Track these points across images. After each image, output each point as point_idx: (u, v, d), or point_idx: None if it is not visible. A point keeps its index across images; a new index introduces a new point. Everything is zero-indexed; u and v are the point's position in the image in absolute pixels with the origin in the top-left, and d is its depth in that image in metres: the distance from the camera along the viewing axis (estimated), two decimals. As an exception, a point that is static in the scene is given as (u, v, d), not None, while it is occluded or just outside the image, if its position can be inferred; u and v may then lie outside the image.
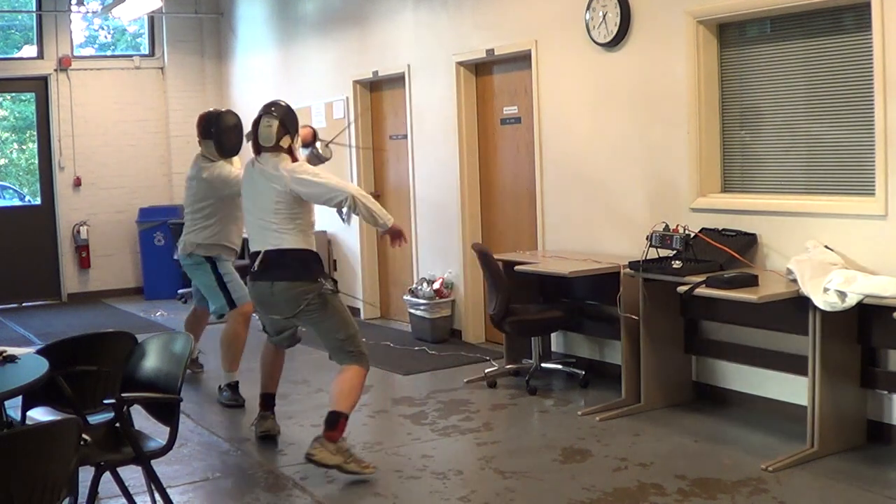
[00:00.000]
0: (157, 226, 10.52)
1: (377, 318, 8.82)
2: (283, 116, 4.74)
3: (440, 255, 7.76)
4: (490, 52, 7.03)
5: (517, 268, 5.97)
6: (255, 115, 4.86)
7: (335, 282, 4.78)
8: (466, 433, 5.21)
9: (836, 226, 4.79)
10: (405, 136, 8.18)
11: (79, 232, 10.69)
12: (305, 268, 4.66)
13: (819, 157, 5.01)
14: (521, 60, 6.84)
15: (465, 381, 6.26)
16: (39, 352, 3.75)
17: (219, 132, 5.95)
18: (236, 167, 6.03)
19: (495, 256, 6.17)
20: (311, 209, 4.81)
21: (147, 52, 11.20)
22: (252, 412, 5.47)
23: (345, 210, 4.71)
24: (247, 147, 5.37)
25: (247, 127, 5.09)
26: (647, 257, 5.22)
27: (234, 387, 6.04)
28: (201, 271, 6.15)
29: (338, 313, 4.70)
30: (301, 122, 9.10)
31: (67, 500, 2.85)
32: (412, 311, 7.72)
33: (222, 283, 6.06)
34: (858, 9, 4.65)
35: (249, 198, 4.84)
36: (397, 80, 8.22)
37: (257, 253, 4.71)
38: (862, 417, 4.66)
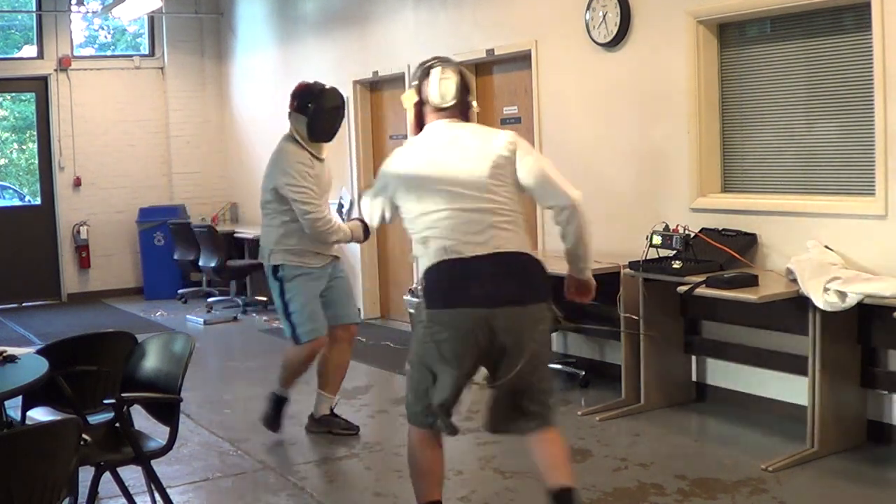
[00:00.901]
0: (157, 226, 10.53)
1: (377, 318, 8.83)
2: (461, 71, 3.52)
3: (440, 255, 7.75)
4: (490, 52, 7.03)
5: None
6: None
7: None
8: (466, 433, 5.20)
9: (836, 226, 4.79)
10: (405, 136, 8.18)
11: (79, 232, 10.69)
12: (541, 282, 3.36)
13: (819, 157, 5.01)
14: (521, 60, 6.84)
15: (465, 381, 6.25)
16: (39, 352, 3.75)
17: (317, 110, 4.94)
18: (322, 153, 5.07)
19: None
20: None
21: (147, 52, 11.20)
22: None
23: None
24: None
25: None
26: (647, 257, 5.22)
27: (278, 401, 5.29)
28: (272, 286, 5.20)
29: (549, 353, 3.46)
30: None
31: (67, 500, 2.86)
32: (412, 311, 7.71)
33: (286, 309, 5.14)
34: (858, 9, 4.65)
35: (432, 179, 3.35)
36: (397, 80, 8.22)
37: (455, 262, 3.27)
38: (862, 417, 4.67)
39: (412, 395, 3.59)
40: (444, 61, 3.46)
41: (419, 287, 3.46)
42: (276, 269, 5.05)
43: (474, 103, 3.55)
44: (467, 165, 3.33)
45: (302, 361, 5.22)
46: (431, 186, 3.36)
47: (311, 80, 5.18)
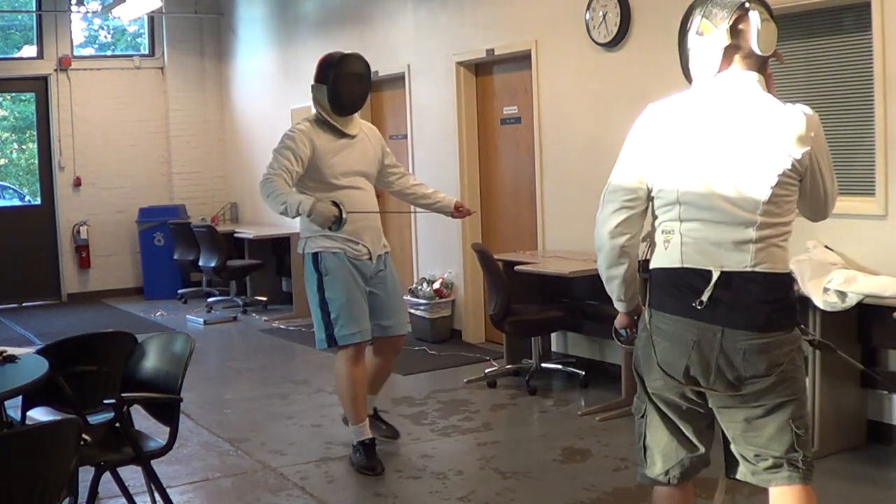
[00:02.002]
0: (157, 226, 10.53)
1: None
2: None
3: (440, 255, 7.76)
4: (490, 52, 7.03)
5: (517, 268, 5.98)
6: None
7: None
8: (466, 433, 5.21)
9: (836, 226, 4.78)
10: (405, 136, 8.18)
11: (79, 232, 10.69)
12: (793, 306, 2.71)
13: (819, 157, 5.00)
14: (521, 60, 6.84)
15: (465, 381, 6.27)
16: (39, 352, 3.75)
17: (336, 77, 4.48)
18: (352, 129, 4.59)
19: (495, 256, 6.17)
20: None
21: (147, 52, 11.20)
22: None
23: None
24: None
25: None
26: (647, 257, 5.21)
27: (367, 446, 4.58)
28: (308, 279, 4.59)
29: (804, 388, 2.75)
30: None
31: (67, 500, 2.86)
32: (412, 311, 7.71)
33: (324, 304, 4.49)
34: (858, 9, 4.65)
35: (701, 160, 2.63)
36: (397, 80, 8.22)
37: (701, 272, 2.62)
38: (862, 417, 4.66)
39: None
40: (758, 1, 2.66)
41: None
42: (315, 258, 4.48)
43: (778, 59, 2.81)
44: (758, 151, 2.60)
45: (347, 374, 4.50)
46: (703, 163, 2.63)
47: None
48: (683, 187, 2.63)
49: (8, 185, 11.56)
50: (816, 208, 2.75)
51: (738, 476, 2.80)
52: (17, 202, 11.46)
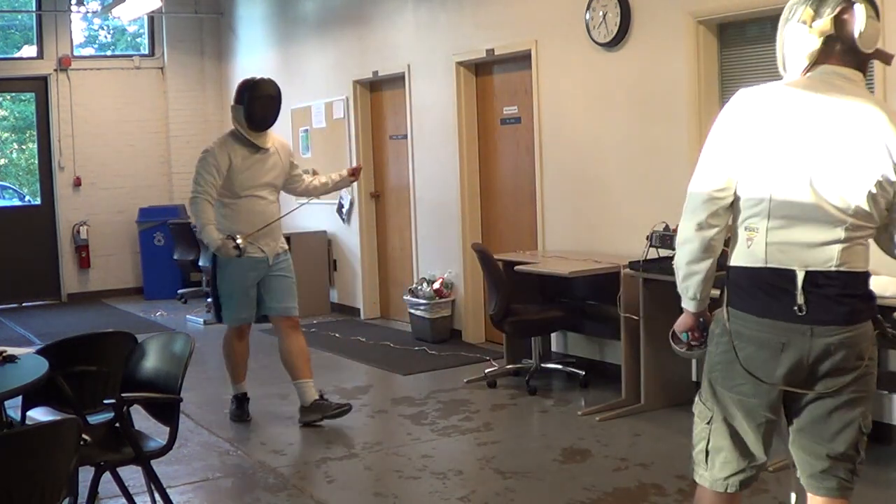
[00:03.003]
0: (157, 226, 10.53)
1: (377, 318, 8.83)
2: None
3: (440, 255, 7.76)
4: (490, 52, 7.03)
5: (517, 268, 5.97)
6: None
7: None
8: (466, 433, 5.21)
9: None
10: (405, 136, 8.18)
11: (79, 232, 10.69)
12: (872, 296, 2.70)
13: (819, 157, 5.00)
14: (521, 60, 6.84)
15: (465, 381, 6.26)
16: (39, 352, 3.75)
17: (252, 99, 5.20)
18: (270, 140, 5.33)
19: (495, 256, 6.17)
20: None
21: (147, 52, 11.21)
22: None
23: None
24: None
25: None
26: (648, 257, 5.22)
27: (240, 399, 5.63)
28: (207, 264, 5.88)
29: (875, 387, 2.75)
30: (301, 125, 9.08)
31: (67, 500, 2.85)
32: (412, 311, 7.72)
33: (214, 291, 5.44)
34: (858, 9, 4.64)
35: (797, 155, 2.51)
36: (397, 80, 8.22)
37: (785, 272, 2.53)
38: (862, 417, 4.66)
39: None
40: None
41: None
42: (215, 254, 5.27)
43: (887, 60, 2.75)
44: (854, 153, 2.49)
45: (231, 346, 5.53)
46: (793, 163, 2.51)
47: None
48: (776, 183, 2.51)
49: (8, 185, 11.56)
50: None
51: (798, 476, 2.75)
52: (17, 202, 11.46)
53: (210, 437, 5.28)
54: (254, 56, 10.56)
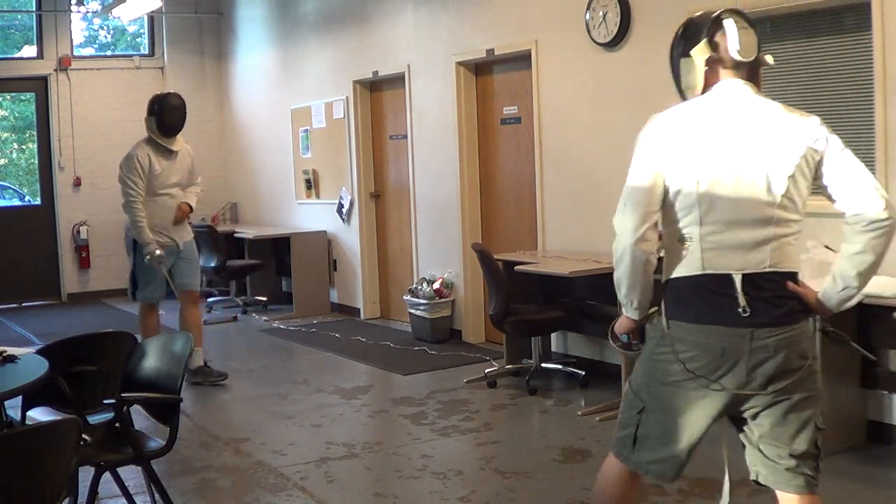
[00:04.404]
0: (157, 226, 10.51)
1: (377, 318, 8.83)
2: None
3: (440, 255, 7.77)
4: (490, 52, 7.03)
5: (517, 268, 5.97)
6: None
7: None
8: (466, 433, 5.21)
9: (836, 226, 4.77)
10: (405, 136, 8.18)
11: (79, 232, 10.69)
12: (800, 299, 2.72)
13: (819, 157, 5.00)
14: (521, 60, 6.84)
15: (465, 381, 6.27)
16: (39, 352, 3.75)
17: (161, 109, 6.25)
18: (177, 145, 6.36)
19: (495, 256, 6.17)
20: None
21: (147, 52, 11.20)
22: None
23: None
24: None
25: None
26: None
27: (203, 369, 6.50)
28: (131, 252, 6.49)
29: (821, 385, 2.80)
30: (301, 125, 9.20)
31: (67, 500, 2.85)
32: (412, 311, 7.72)
33: (133, 275, 6.34)
34: (858, 9, 4.65)
35: (713, 167, 2.67)
36: (397, 80, 8.22)
37: (723, 277, 2.65)
38: (862, 417, 4.66)
39: None
40: (733, 10, 2.80)
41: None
42: (135, 242, 6.21)
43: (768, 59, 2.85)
44: (769, 152, 2.66)
45: (142, 321, 6.37)
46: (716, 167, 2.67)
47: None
48: (701, 190, 2.64)
49: (8, 185, 11.55)
50: (859, 197, 2.65)
51: (760, 480, 2.82)
52: (17, 202, 11.45)
53: (210, 437, 5.28)
54: (254, 56, 10.56)
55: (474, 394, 6.01)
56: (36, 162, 10.86)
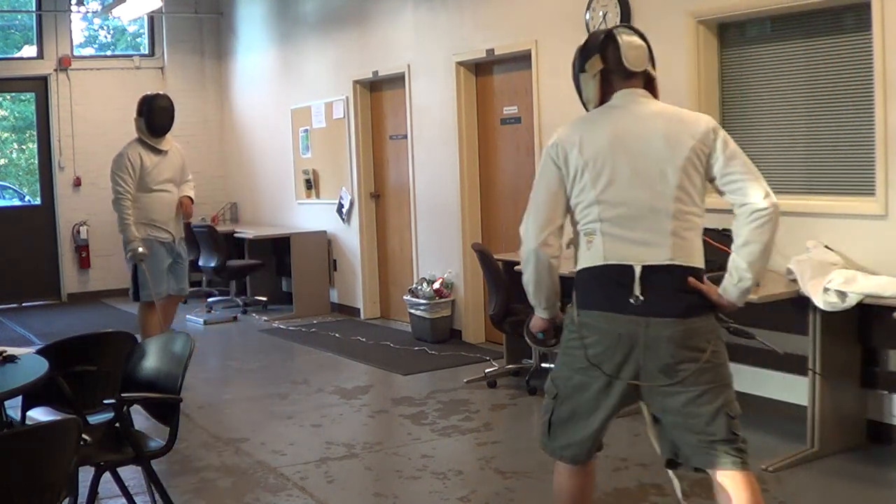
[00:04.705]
0: (157, 226, 10.51)
1: (377, 318, 8.83)
2: (645, 37, 3.11)
3: (440, 255, 7.77)
4: (490, 52, 7.03)
5: (517, 268, 5.94)
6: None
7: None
8: (466, 433, 5.21)
9: (836, 226, 4.80)
10: (405, 136, 8.18)
11: (79, 232, 10.69)
12: (702, 295, 2.87)
13: (819, 157, 5.01)
14: (521, 60, 6.84)
15: (465, 381, 6.27)
16: (39, 352, 3.75)
17: (150, 110, 6.30)
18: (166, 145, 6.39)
19: (495, 256, 6.17)
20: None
21: (147, 52, 11.20)
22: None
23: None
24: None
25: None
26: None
27: None
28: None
29: (730, 374, 2.96)
30: (301, 125, 9.19)
31: (67, 500, 2.85)
32: (412, 311, 7.72)
33: (134, 274, 6.32)
34: (858, 9, 4.65)
35: (610, 167, 2.88)
36: (397, 80, 8.22)
37: (620, 268, 2.84)
38: (862, 417, 4.66)
39: None
40: (625, 26, 3.10)
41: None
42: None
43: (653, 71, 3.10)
44: (659, 151, 2.86)
45: (145, 318, 6.36)
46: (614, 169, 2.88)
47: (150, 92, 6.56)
48: (599, 189, 2.86)
49: (8, 185, 11.55)
50: (742, 189, 2.81)
51: (681, 461, 2.97)
52: (17, 202, 11.45)
53: (210, 437, 5.29)
54: (254, 56, 10.56)
55: (474, 394, 6.01)
56: (36, 162, 10.86)
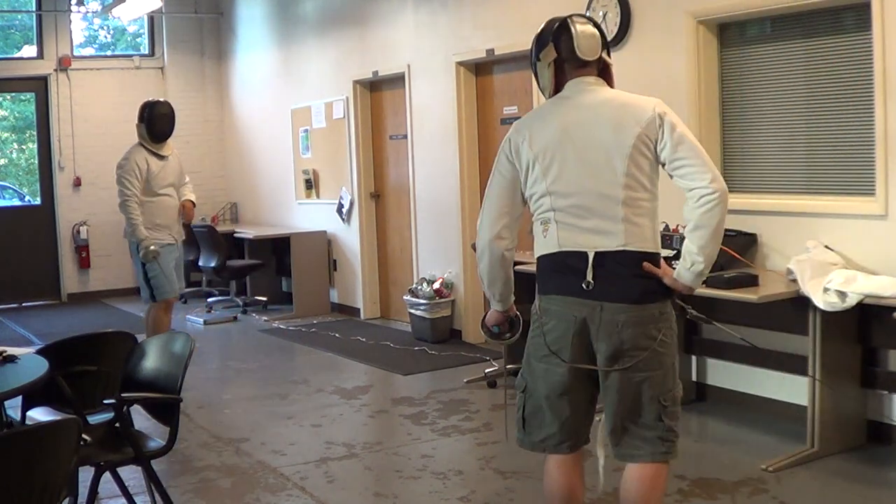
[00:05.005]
0: (157, 226, 10.51)
1: (377, 318, 8.83)
2: (599, 25, 3.17)
3: (440, 255, 7.77)
4: (490, 52, 7.03)
5: (516, 268, 5.95)
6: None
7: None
8: (466, 433, 5.21)
9: (836, 226, 4.79)
10: (405, 136, 8.18)
11: (79, 232, 10.69)
12: (658, 281, 2.94)
13: (819, 157, 5.01)
14: (521, 60, 6.84)
15: (465, 381, 6.26)
16: (39, 352, 3.75)
17: (151, 117, 6.36)
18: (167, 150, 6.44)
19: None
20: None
21: (147, 52, 11.20)
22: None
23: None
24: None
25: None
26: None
27: None
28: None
29: (676, 359, 3.02)
30: (301, 125, 9.19)
31: (67, 500, 2.85)
32: (412, 311, 7.72)
33: (146, 275, 6.33)
34: (858, 9, 4.65)
35: (559, 158, 2.96)
36: (397, 80, 8.22)
37: (574, 255, 2.93)
38: (862, 417, 4.66)
39: None
40: (580, 15, 3.11)
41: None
42: (138, 244, 6.24)
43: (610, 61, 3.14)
44: (609, 137, 2.91)
45: (158, 319, 6.37)
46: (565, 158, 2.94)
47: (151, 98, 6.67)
48: (551, 179, 2.94)
49: (8, 185, 11.55)
50: (690, 173, 2.87)
51: (612, 450, 3.05)
52: (17, 202, 11.45)
53: (210, 437, 5.29)
54: (254, 56, 10.56)
55: (474, 394, 6.01)
56: (36, 162, 10.86)
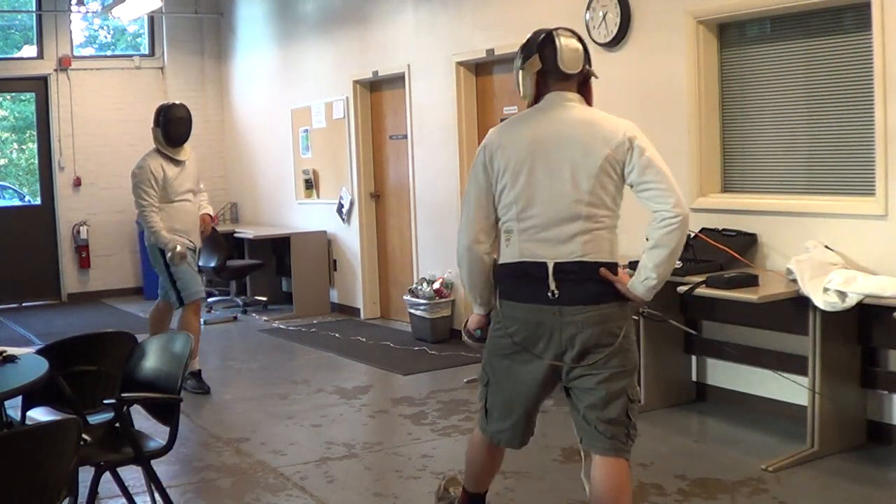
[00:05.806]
0: (157, 226, 10.51)
1: (377, 318, 8.83)
2: (582, 39, 3.20)
3: (440, 255, 7.77)
4: (490, 52, 7.03)
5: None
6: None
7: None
8: (466, 433, 5.21)
9: (836, 226, 4.80)
10: (405, 136, 8.19)
11: (79, 232, 10.69)
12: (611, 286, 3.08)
13: (819, 157, 5.01)
14: (521, 60, 6.84)
15: (465, 381, 6.26)
16: (39, 352, 3.75)
17: (167, 120, 6.28)
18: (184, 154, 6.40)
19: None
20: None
21: (147, 52, 11.20)
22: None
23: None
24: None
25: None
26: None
27: (196, 375, 6.22)
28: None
29: (637, 361, 3.19)
30: (301, 125, 9.20)
31: (67, 500, 2.85)
32: (412, 311, 7.72)
33: (172, 280, 6.22)
34: (858, 9, 4.65)
35: (527, 170, 3.08)
36: (397, 80, 8.22)
37: (534, 265, 3.07)
38: (862, 417, 4.66)
39: None
40: (566, 28, 3.18)
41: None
42: (161, 249, 6.16)
43: (593, 75, 3.21)
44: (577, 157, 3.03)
45: (191, 322, 6.25)
46: (531, 171, 3.07)
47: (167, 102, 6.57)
48: (517, 190, 3.07)
49: (8, 185, 11.55)
50: (655, 196, 2.99)
51: (582, 444, 3.23)
52: (17, 202, 11.45)
53: (210, 437, 5.29)
54: (254, 56, 10.56)
55: (474, 394, 6.00)
56: (36, 162, 10.85)
